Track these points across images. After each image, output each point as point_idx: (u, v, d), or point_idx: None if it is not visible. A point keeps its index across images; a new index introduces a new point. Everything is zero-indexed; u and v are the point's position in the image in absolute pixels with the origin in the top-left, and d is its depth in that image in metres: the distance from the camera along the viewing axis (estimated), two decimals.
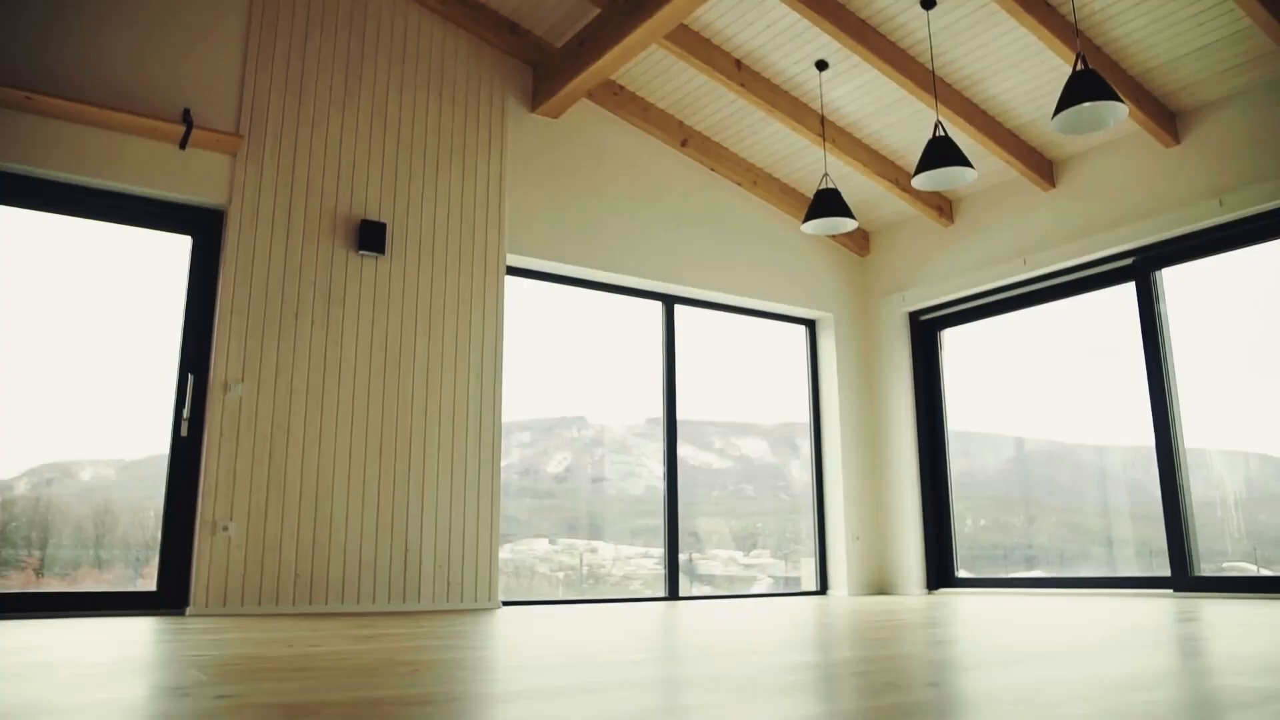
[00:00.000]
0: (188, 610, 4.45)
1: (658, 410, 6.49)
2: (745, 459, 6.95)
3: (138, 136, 4.69)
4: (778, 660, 2.28)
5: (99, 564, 4.54)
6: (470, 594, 5.18)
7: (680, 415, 6.52)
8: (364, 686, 1.85)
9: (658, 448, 6.45)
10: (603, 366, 6.30)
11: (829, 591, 6.94)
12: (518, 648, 2.69)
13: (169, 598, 4.53)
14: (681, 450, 6.50)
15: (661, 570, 6.25)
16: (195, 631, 3.34)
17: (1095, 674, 1.92)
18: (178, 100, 4.83)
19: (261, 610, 4.57)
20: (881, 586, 6.98)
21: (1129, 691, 1.67)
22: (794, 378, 7.30)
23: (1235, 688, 1.69)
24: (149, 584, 4.56)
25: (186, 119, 4.76)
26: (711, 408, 6.71)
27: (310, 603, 4.70)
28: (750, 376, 7.07)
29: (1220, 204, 5.28)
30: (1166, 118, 5.51)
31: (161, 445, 4.69)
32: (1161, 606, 4.40)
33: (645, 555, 6.21)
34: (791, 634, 3.11)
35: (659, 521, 6.32)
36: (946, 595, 6.32)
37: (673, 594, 6.27)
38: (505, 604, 5.44)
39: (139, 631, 3.37)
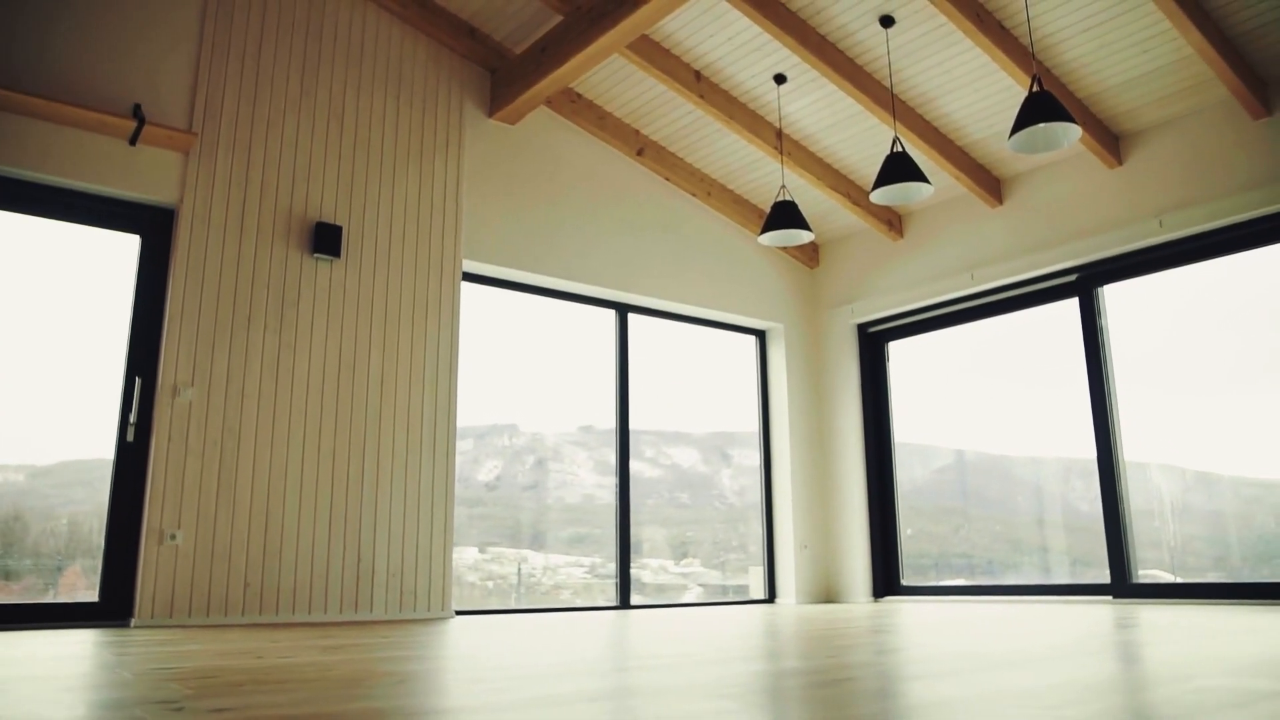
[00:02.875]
0: (133, 621, 4.30)
1: (590, 418, 6.46)
2: (676, 468, 6.96)
3: (86, 131, 4.54)
4: (763, 667, 2.29)
5: (6, 575, 4.36)
6: (424, 603, 5.11)
7: (613, 424, 6.50)
8: (358, 698, 1.81)
9: (589, 455, 6.43)
10: (537, 374, 6.22)
11: (777, 600, 6.99)
12: (498, 657, 2.66)
13: (112, 608, 4.38)
14: (614, 459, 6.48)
15: (592, 579, 6.23)
16: (150, 643, 3.24)
17: (1079, 677, 1.97)
18: (128, 95, 4.69)
19: (210, 621, 4.44)
20: (829, 595, 7.06)
21: (1122, 693, 1.71)
22: (731, 387, 7.33)
23: (1221, 688, 1.75)
24: (62, 595, 4.40)
25: (137, 114, 4.62)
26: (644, 416, 6.68)
27: (260, 613, 4.59)
28: (690, 385, 7.07)
29: (1160, 224, 5.47)
30: (1110, 140, 5.70)
31: (79, 451, 4.53)
32: (1107, 613, 4.53)
33: (576, 564, 6.19)
34: (760, 642, 3.13)
35: (590, 530, 6.30)
36: (893, 603, 6.41)
37: (624, 603, 6.27)
38: (458, 613, 5.38)
39: (92, 644, 3.25)
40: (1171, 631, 3.26)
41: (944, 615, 4.69)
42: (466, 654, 2.79)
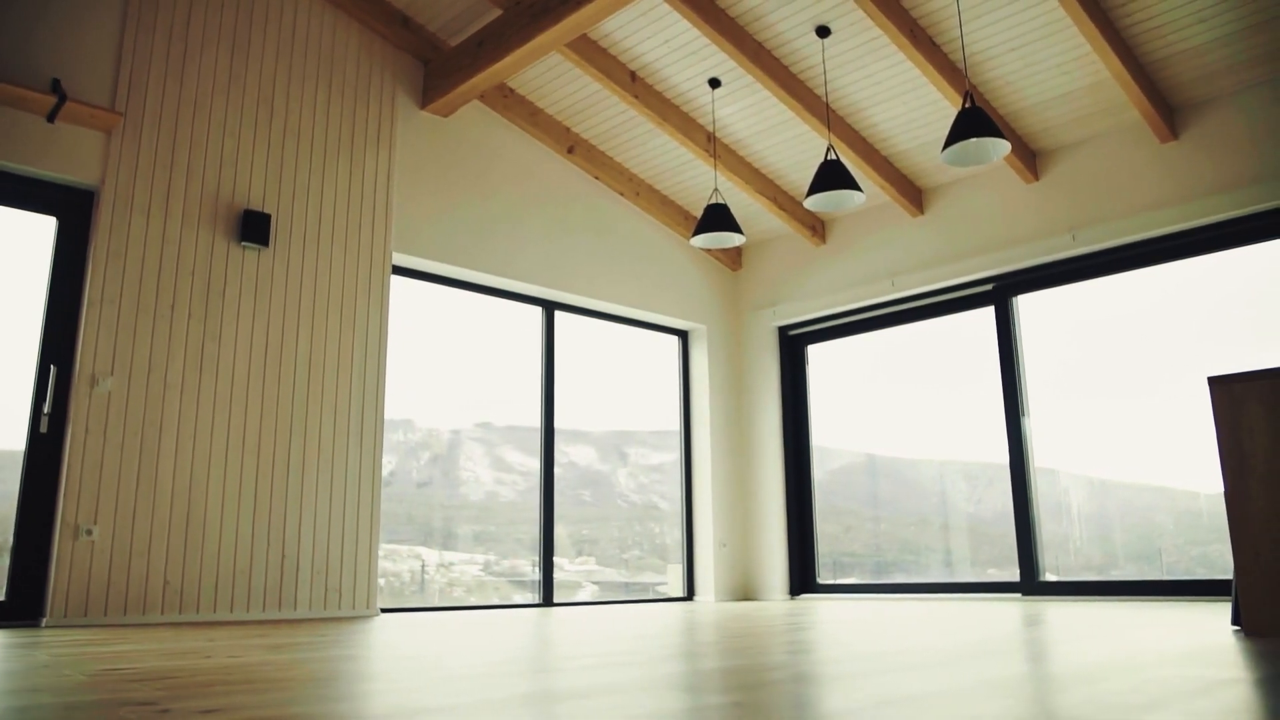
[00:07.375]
0: (44, 621, 4.11)
1: (489, 414, 6.40)
2: (574, 465, 6.95)
3: (0, 105, 4.32)
4: (725, 664, 2.33)
5: None
6: (349, 601, 5.01)
7: (515, 421, 6.47)
8: (338, 699, 1.78)
9: (487, 452, 6.40)
10: (436, 369, 6.10)
11: (695, 597, 7.07)
12: (456, 655, 2.64)
13: (21, 608, 4.18)
14: (511, 456, 6.46)
15: (486, 577, 6.18)
16: (77, 643, 3.10)
17: (1035, 670, 2.06)
18: (47, 69, 4.47)
19: (128, 620, 4.27)
20: (746, 592, 7.17)
21: (1086, 684, 1.80)
22: (643, 386, 7.34)
23: (1174, 677, 1.85)
24: None
25: (57, 90, 4.41)
26: (534, 414, 6.62)
27: (180, 612, 4.43)
28: (603, 384, 7.06)
29: (1073, 238, 5.73)
30: (1029, 156, 5.94)
31: None
32: (1021, 609, 4.73)
33: (470, 561, 6.15)
34: (704, 638, 3.18)
35: (487, 527, 6.25)
36: (810, 601, 6.56)
37: (547, 600, 6.26)
38: (384, 611, 5.29)
39: (10, 645, 3.10)
40: (1093, 626, 3.42)
41: (867, 613, 4.82)
42: (415, 653, 2.75)
